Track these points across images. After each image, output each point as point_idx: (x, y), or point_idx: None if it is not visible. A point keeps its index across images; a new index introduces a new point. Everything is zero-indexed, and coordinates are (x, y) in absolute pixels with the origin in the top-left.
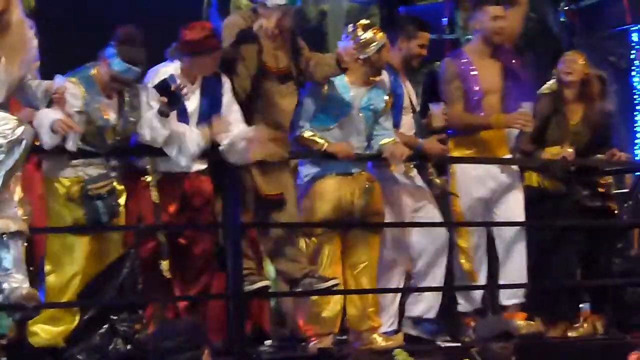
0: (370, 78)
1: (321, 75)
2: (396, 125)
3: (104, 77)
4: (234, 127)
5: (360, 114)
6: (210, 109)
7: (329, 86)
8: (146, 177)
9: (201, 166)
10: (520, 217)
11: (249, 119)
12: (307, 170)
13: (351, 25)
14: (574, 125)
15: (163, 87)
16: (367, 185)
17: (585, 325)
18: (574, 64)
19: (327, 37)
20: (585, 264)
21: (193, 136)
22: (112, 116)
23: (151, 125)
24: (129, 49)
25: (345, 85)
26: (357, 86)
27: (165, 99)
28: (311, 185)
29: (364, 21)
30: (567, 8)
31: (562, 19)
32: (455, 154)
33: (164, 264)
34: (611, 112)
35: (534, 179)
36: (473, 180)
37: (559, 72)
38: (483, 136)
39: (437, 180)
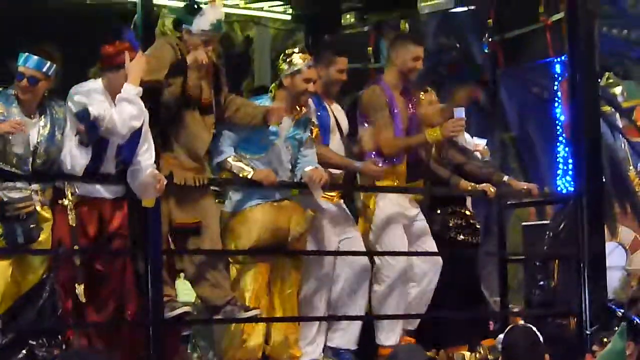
0: (296, 106)
1: (240, 120)
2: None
3: (21, 91)
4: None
5: (287, 144)
6: (131, 135)
7: None
8: (64, 200)
9: (119, 191)
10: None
11: (167, 146)
12: (233, 196)
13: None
14: None
15: (81, 116)
16: (310, 214)
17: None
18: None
19: (252, 63)
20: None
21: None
22: (33, 136)
23: (71, 153)
24: (39, 50)
25: None
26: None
27: (82, 128)
28: (239, 211)
29: (298, 47)
30: (490, 39)
31: (485, 50)
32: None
33: (79, 289)
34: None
35: None
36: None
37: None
38: (400, 168)
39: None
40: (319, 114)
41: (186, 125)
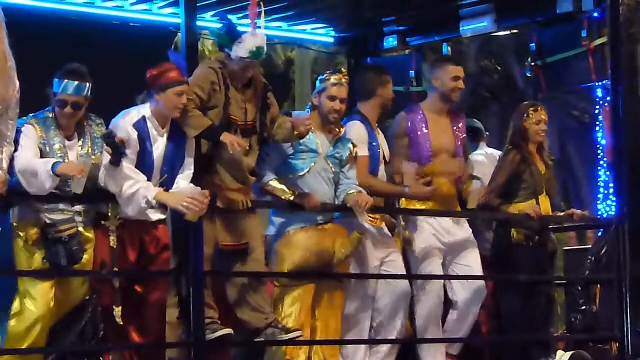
0: (331, 125)
1: (280, 137)
2: (374, 174)
3: (65, 118)
4: (182, 183)
5: (328, 162)
6: (175, 156)
7: None
8: (106, 222)
9: (161, 215)
10: (478, 273)
11: (211, 169)
12: (277, 219)
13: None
14: (544, 175)
15: (108, 136)
16: (356, 236)
17: None
18: (544, 117)
19: (293, 85)
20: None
21: (144, 191)
22: (72, 157)
23: (105, 173)
24: (72, 72)
25: (310, 132)
26: (321, 132)
27: (109, 149)
28: (283, 234)
29: (336, 68)
30: (533, 64)
31: (527, 74)
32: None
33: (117, 310)
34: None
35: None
36: (429, 235)
37: (525, 124)
38: (438, 191)
39: (406, 232)
40: (373, 144)
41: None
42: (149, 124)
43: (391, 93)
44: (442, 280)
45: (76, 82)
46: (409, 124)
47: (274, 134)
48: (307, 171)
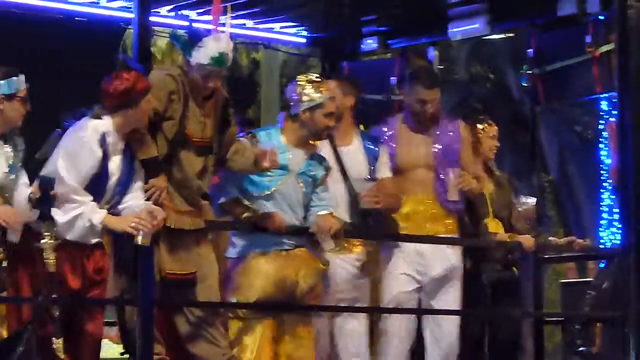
0: (310, 142)
1: (236, 166)
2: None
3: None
4: (133, 198)
5: (299, 181)
6: (129, 174)
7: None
8: (41, 242)
9: (99, 238)
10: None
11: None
12: (238, 241)
13: (301, 77)
14: (491, 196)
15: (46, 183)
16: (322, 267)
17: None
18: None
19: (259, 90)
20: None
21: (89, 215)
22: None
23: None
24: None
25: (283, 146)
26: (295, 147)
27: (38, 196)
28: (242, 259)
29: (312, 76)
30: (530, 72)
31: (524, 83)
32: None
33: (58, 343)
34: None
35: None
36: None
37: (480, 136)
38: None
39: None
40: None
41: (181, 165)
42: (109, 139)
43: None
44: (409, 316)
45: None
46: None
47: (229, 160)
48: (273, 190)
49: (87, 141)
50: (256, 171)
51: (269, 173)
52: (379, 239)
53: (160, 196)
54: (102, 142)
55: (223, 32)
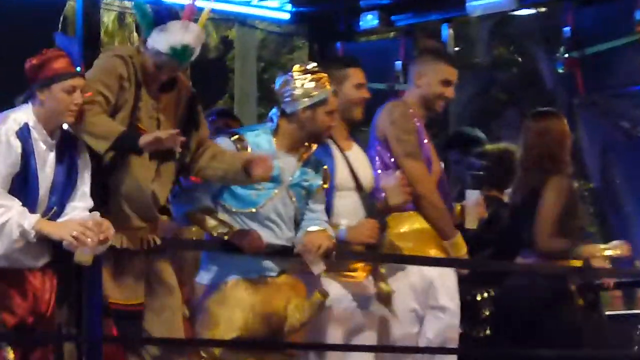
0: (306, 144)
1: (213, 174)
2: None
3: None
4: (76, 208)
5: (290, 194)
6: (68, 180)
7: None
8: None
9: (47, 259)
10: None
11: (107, 198)
12: (210, 264)
13: (296, 67)
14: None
15: None
16: (318, 299)
17: None
18: None
19: (231, 76)
20: None
21: (19, 219)
22: None
23: None
24: None
25: (274, 151)
26: (287, 152)
27: None
28: (217, 286)
29: (309, 65)
30: (566, 55)
31: (559, 69)
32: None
33: None
34: None
35: None
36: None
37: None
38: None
39: (383, 286)
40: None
41: (131, 169)
42: (33, 134)
43: (353, 92)
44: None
45: None
46: (414, 120)
47: (203, 167)
48: (262, 206)
49: (3, 134)
50: (245, 182)
51: (256, 185)
52: (385, 261)
53: None
54: (22, 135)
55: (196, 19)
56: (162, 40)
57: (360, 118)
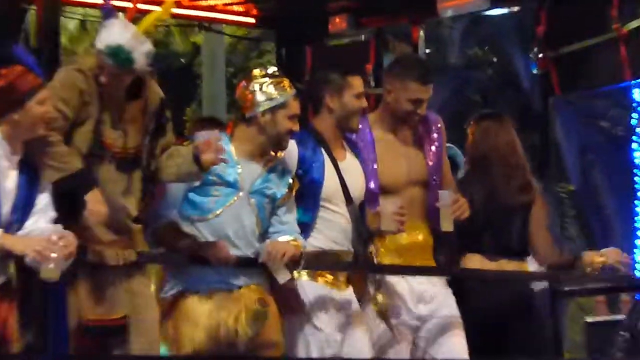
0: (272, 153)
1: (170, 172)
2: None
3: None
4: (37, 221)
5: (252, 200)
6: (30, 196)
7: None
8: None
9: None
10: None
11: (73, 214)
12: (173, 279)
13: (256, 71)
14: None
15: None
16: (257, 309)
17: None
18: None
19: (199, 82)
20: None
21: None
22: None
23: None
24: None
25: (231, 157)
26: (249, 159)
27: None
28: (176, 302)
29: (270, 70)
30: (541, 55)
31: (534, 70)
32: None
33: None
34: None
35: None
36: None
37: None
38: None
39: (379, 297)
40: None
41: (101, 187)
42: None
43: (354, 102)
44: None
45: None
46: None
47: (159, 169)
48: (219, 213)
49: None
50: (199, 173)
51: (214, 192)
52: (358, 270)
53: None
54: None
55: (135, 18)
56: (102, 38)
57: (358, 128)
